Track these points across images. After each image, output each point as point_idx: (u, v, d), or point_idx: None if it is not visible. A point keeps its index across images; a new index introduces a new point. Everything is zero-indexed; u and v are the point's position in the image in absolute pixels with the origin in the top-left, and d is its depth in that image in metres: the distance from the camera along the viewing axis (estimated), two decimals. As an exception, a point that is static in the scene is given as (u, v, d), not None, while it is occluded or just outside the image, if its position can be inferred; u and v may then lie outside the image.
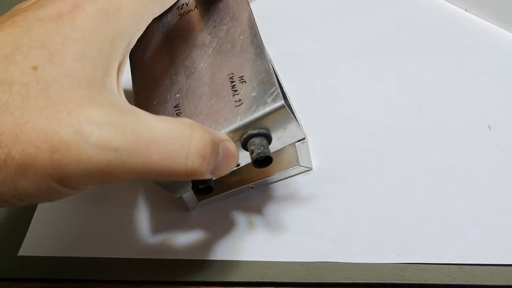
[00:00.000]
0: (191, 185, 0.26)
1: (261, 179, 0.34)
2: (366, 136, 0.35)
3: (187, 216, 0.34)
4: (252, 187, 0.34)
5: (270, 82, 0.25)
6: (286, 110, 0.25)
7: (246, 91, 0.26)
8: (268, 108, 0.25)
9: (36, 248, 0.34)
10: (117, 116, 0.20)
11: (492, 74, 0.37)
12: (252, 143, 0.25)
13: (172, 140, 0.21)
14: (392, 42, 0.41)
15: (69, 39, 0.21)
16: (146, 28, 0.25)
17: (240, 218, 0.33)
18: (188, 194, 0.32)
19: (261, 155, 0.25)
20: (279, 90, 0.25)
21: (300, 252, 0.31)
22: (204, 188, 0.26)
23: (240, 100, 0.25)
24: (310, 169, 0.34)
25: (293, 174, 0.34)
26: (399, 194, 0.32)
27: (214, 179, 0.25)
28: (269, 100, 0.25)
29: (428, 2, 0.43)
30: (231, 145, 0.24)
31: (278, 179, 0.34)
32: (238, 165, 0.28)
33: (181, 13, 0.31)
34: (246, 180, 0.34)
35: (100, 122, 0.19)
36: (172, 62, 0.29)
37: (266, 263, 0.31)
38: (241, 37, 0.28)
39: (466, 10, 0.41)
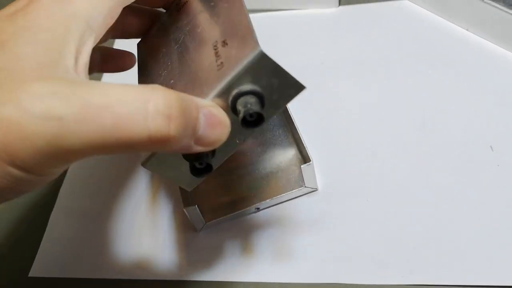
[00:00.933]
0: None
1: (267, 199, 0.34)
2: (370, 155, 0.36)
3: (195, 236, 0.34)
4: (258, 208, 0.35)
5: (248, 34, 0.23)
6: (267, 57, 0.22)
7: (227, 52, 0.23)
8: (246, 60, 0.22)
9: (46, 269, 0.35)
10: (64, 87, 0.19)
11: (494, 94, 0.37)
12: (239, 103, 0.22)
13: (128, 102, 0.19)
14: (395, 61, 0.41)
15: (21, 27, 0.21)
16: (154, 27, 0.25)
17: (247, 239, 0.34)
18: (195, 214, 0.33)
19: (248, 112, 0.22)
20: (256, 38, 0.23)
21: (306, 273, 0.31)
22: (202, 168, 0.24)
23: (222, 62, 0.23)
24: (315, 189, 0.35)
25: (299, 195, 0.35)
26: (403, 214, 0.33)
27: (211, 157, 0.24)
28: (248, 52, 0.22)
29: (431, 21, 0.43)
30: (215, 111, 0.22)
31: (284, 200, 0.35)
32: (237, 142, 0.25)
33: (178, 7, 0.31)
34: (252, 201, 0.35)
35: (42, 94, 0.18)
36: (168, 51, 0.29)
37: (273, 284, 0.31)
38: (225, 5, 0.26)
39: (467, 29, 0.42)
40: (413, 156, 0.35)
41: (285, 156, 0.37)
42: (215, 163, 0.25)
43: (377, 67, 0.41)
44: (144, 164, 0.24)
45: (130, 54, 0.33)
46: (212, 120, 0.22)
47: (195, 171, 0.24)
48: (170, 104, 0.20)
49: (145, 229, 0.36)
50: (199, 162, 0.23)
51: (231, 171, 0.37)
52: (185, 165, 0.24)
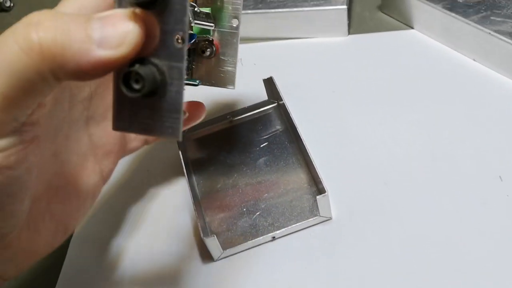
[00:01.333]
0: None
1: (283, 228, 0.35)
2: (381, 185, 0.37)
3: (212, 265, 0.35)
4: (274, 237, 0.36)
5: None
6: None
7: None
8: None
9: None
10: None
11: (502, 124, 0.38)
12: None
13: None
14: (404, 90, 0.43)
15: None
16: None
17: (263, 268, 0.35)
18: (213, 244, 0.34)
19: None
20: None
21: (322, 302, 0.32)
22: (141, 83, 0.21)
23: None
24: (329, 219, 0.36)
25: (313, 224, 0.36)
26: (415, 243, 0.34)
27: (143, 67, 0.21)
28: None
29: (439, 51, 0.45)
30: (111, 12, 0.21)
31: (298, 229, 0.36)
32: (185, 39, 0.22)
33: None
34: (268, 230, 0.36)
35: None
36: None
37: (290, 313, 0.32)
38: None
39: (474, 60, 0.43)
40: (424, 184, 0.36)
41: (299, 184, 0.38)
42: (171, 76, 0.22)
43: (387, 96, 0.42)
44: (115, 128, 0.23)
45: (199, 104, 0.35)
46: (110, 19, 0.21)
47: (132, 90, 0.21)
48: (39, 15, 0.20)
49: (161, 257, 0.36)
50: (133, 80, 0.21)
51: (246, 200, 0.38)
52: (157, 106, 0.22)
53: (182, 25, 0.21)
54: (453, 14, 0.42)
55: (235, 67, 0.34)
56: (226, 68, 0.34)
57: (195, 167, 0.41)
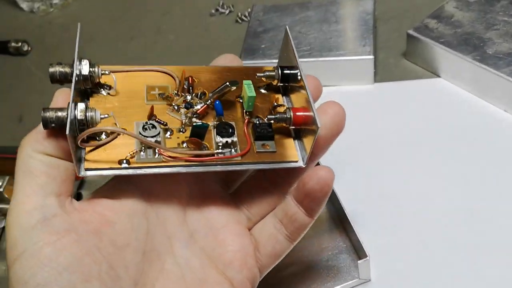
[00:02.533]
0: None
1: None
2: (418, 244, 0.36)
3: None
4: None
5: None
6: None
7: None
8: None
9: None
10: None
11: (539, 179, 0.38)
12: None
13: None
14: (434, 141, 0.42)
15: None
16: None
17: None
18: None
19: None
20: None
21: None
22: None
23: None
24: (368, 280, 0.35)
25: (353, 286, 0.35)
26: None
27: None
28: None
29: (467, 100, 0.44)
30: None
31: None
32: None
33: None
34: None
35: None
36: None
37: None
38: None
39: (505, 111, 0.42)
40: (463, 244, 0.35)
41: (334, 243, 0.37)
42: None
43: (418, 148, 0.42)
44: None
45: None
46: None
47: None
48: None
49: None
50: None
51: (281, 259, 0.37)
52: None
53: None
54: (484, 66, 0.42)
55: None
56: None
57: None
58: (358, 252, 0.35)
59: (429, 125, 0.43)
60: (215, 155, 0.28)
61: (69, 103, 0.25)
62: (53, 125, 0.25)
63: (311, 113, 0.28)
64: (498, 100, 0.43)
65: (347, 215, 0.36)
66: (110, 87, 0.29)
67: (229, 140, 0.28)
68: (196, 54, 0.57)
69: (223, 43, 0.58)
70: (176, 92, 0.30)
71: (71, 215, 0.25)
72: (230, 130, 0.29)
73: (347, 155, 0.43)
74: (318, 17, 0.51)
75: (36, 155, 0.25)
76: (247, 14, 0.59)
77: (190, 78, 0.30)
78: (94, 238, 0.25)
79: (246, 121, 0.30)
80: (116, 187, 0.27)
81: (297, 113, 0.29)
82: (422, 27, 0.46)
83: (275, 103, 0.31)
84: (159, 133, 0.27)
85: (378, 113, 0.46)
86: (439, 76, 0.47)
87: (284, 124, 0.30)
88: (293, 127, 0.30)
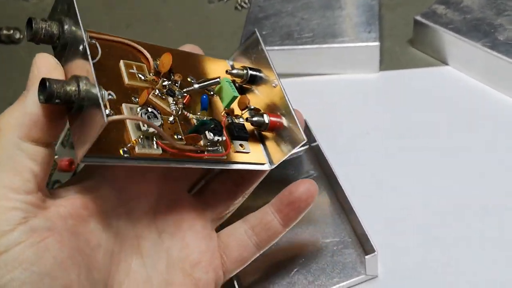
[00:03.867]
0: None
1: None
2: (427, 238, 0.34)
3: None
4: None
5: None
6: None
7: None
8: None
9: None
10: None
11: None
12: None
13: None
14: (442, 132, 0.40)
15: None
16: None
17: None
18: None
19: None
20: None
21: None
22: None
23: None
24: (375, 277, 0.33)
25: (359, 282, 0.33)
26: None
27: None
28: None
29: (476, 88, 0.43)
30: None
31: None
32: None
33: None
34: None
35: None
36: None
37: None
38: None
39: (517, 99, 0.41)
40: (475, 241, 0.34)
41: (338, 237, 0.35)
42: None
43: (426, 139, 0.40)
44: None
45: None
46: None
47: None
48: None
49: None
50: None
51: (281, 253, 0.35)
52: None
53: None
54: (495, 53, 0.40)
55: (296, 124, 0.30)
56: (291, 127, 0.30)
57: None
58: (365, 246, 0.33)
59: (437, 115, 0.42)
60: (205, 152, 0.28)
61: (75, 77, 0.22)
62: (57, 100, 0.22)
63: (283, 121, 0.30)
64: (509, 89, 0.41)
65: (353, 207, 0.34)
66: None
67: (220, 139, 0.29)
68: (195, 42, 0.55)
69: (223, 30, 0.56)
70: (152, 74, 0.29)
71: (51, 213, 0.23)
72: (220, 129, 0.29)
73: (353, 145, 0.41)
74: (321, 2, 0.49)
75: (22, 144, 0.22)
76: (247, 1, 0.57)
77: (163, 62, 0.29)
78: (74, 239, 0.23)
79: (224, 119, 0.30)
80: (89, 182, 0.26)
81: (272, 119, 0.30)
82: (430, 13, 0.44)
83: (250, 105, 0.31)
84: (161, 124, 0.26)
85: (384, 103, 0.44)
86: (447, 65, 0.45)
87: (257, 128, 0.31)
88: (262, 131, 0.31)
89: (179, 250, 0.29)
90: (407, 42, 0.48)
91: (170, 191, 0.30)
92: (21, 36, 0.62)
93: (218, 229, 0.32)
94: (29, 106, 0.23)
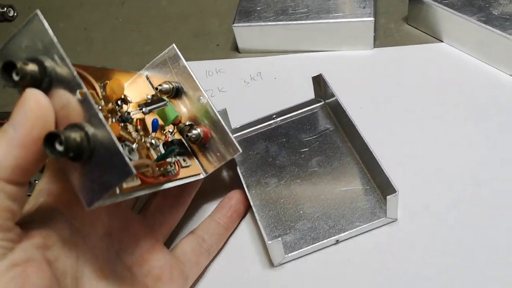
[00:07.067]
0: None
1: (346, 231, 0.33)
2: (421, 210, 0.34)
3: (272, 271, 0.34)
4: (337, 240, 0.34)
5: None
6: None
7: None
8: None
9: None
10: None
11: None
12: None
13: None
14: (435, 107, 0.40)
15: None
16: None
17: (329, 272, 0.33)
18: (278, 248, 0.32)
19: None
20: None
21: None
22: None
23: None
24: (395, 220, 0.34)
25: (378, 226, 0.34)
26: (461, 276, 0.31)
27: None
28: None
29: (471, 65, 0.42)
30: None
31: (364, 231, 0.34)
32: None
33: None
34: (330, 233, 0.34)
35: None
36: None
37: None
38: None
39: (511, 75, 0.41)
40: (469, 212, 0.34)
41: (356, 185, 0.36)
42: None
43: (419, 114, 0.40)
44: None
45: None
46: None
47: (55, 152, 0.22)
48: None
49: (218, 264, 0.35)
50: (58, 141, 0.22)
51: (302, 202, 0.36)
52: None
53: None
54: (489, 27, 0.40)
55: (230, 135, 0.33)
56: (225, 139, 0.33)
57: (242, 169, 0.39)
58: (386, 189, 0.33)
59: (431, 91, 0.41)
60: (168, 174, 0.30)
61: (78, 126, 0.23)
62: (71, 154, 0.22)
63: (211, 132, 0.33)
64: (503, 64, 0.41)
65: (373, 153, 0.34)
66: None
67: (175, 159, 0.32)
68: (190, 19, 0.55)
69: (217, 7, 0.56)
70: (101, 98, 0.29)
71: (26, 244, 0.24)
72: (185, 149, 0.33)
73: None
74: (317, -21, 0.49)
75: (5, 186, 0.23)
76: (242, -21, 0.57)
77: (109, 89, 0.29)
78: (49, 267, 0.24)
79: (167, 137, 0.33)
80: (45, 213, 0.27)
81: (205, 131, 0.33)
82: (425, -11, 0.44)
83: (183, 122, 0.34)
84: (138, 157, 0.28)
85: (378, 79, 0.44)
86: (442, 41, 0.45)
87: (192, 142, 0.33)
88: (195, 144, 0.34)
89: (140, 267, 0.30)
90: (402, 19, 0.48)
91: (119, 213, 0.31)
92: (15, 14, 0.61)
93: (170, 245, 0.35)
94: (15, 148, 0.23)
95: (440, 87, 0.42)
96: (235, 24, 0.47)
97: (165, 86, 0.34)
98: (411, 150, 0.38)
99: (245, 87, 0.46)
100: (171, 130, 0.34)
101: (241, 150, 0.32)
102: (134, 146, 0.28)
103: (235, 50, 0.50)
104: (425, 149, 0.38)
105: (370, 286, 0.32)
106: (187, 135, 0.33)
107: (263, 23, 0.46)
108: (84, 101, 0.23)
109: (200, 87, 0.34)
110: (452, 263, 0.31)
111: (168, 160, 0.31)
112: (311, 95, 0.41)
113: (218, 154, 0.33)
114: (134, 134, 0.30)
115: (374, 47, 0.46)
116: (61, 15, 0.60)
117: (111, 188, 0.23)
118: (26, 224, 0.25)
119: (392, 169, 0.33)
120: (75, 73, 0.23)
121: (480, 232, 0.33)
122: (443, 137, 0.38)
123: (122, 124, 0.29)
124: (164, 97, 0.33)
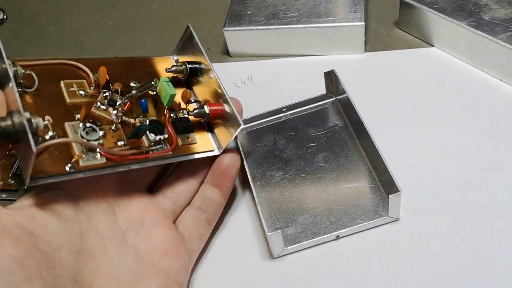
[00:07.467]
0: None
1: (348, 227, 0.34)
2: (410, 214, 0.34)
3: (270, 264, 0.34)
4: (338, 236, 0.34)
5: None
6: None
7: None
8: None
9: None
10: None
11: (534, 150, 0.36)
12: None
13: None
14: (426, 112, 0.40)
15: None
16: None
17: (327, 267, 0.33)
18: (278, 240, 0.32)
19: None
20: None
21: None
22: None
23: None
24: (397, 219, 0.34)
25: (380, 224, 0.34)
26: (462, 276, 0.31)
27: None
28: None
29: (461, 69, 0.42)
30: None
31: (364, 229, 0.34)
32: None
33: None
34: (331, 228, 0.34)
35: None
36: None
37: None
38: None
39: (501, 80, 0.41)
40: (456, 217, 0.34)
41: (361, 182, 0.36)
42: None
43: (410, 119, 0.40)
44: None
45: None
46: None
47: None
48: None
49: (219, 253, 0.35)
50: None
51: (305, 196, 0.36)
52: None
53: None
54: (479, 32, 0.40)
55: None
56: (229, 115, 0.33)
57: (248, 160, 0.39)
58: (389, 188, 0.33)
59: (422, 95, 0.41)
60: (150, 152, 0.30)
61: (10, 113, 0.24)
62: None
63: (224, 108, 0.33)
64: (493, 68, 0.41)
65: (379, 151, 0.34)
66: (26, 87, 0.28)
67: (162, 137, 0.31)
68: (181, 22, 0.55)
69: (208, 11, 0.55)
70: (93, 87, 0.31)
71: (4, 219, 0.25)
72: (161, 128, 0.31)
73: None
74: (308, -17, 0.49)
75: None
76: (234, -18, 0.56)
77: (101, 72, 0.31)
78: (31, 239, 0.25)
79: (167, 117, 0.33)
80: (45, 194, 0.27)
81: (213, 108, 0.33)
82: (416, -7, 0.44)
83: (191, 99, 0.34)
84: (100, 136, 0.29)
85: (369, 84, 0.44)
86: (432, 46, 0.45)
87: (201, 119, 0.34)
88: (207, 121, 0.34)
89: (146, 244, 0.31)
90: (393, 23, 0.48)
91: (128, 193, 0.32)
92: (5, 17, 0.61)
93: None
94: None
95: (430, 91, 0.42)
96: (225, 28, 0.47)
97: (174, 68, 0.35)
98: (401, 153, 0.38)
99: (236, 91, 0.46)
100: (184, 109, 0.35)
101: (243, 124, 0.32)
102: (113, 126, 0.30)
103: (226, 54, 0.49)
104: (415, 152, 0.38)
105: (367, 283, 0.32)
106: (188, 112, 0.34)
107: (254, 27, 0.46)
108: (12, 88, 0.25)
109: (209, 63, 0.34)
110: (452, 263, 0.31)
111: (152, 138, 0.30)
112: (303, 98, 0.41)
113: (228, 129, 0.33)
114: (113, 115, 0.30)
115: (365, 51, 0.46)
116: (51, 18, 0.59)
117: (28, 169, 0.24)
118: (19, 202, 0.26)
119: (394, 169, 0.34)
120: (5, 65, 0.26)
121: (480, 232, 0.33)
122: (434, 140, 0.38)
123: (105, 107, 0.31)
124: (166, 78, 0.34)
